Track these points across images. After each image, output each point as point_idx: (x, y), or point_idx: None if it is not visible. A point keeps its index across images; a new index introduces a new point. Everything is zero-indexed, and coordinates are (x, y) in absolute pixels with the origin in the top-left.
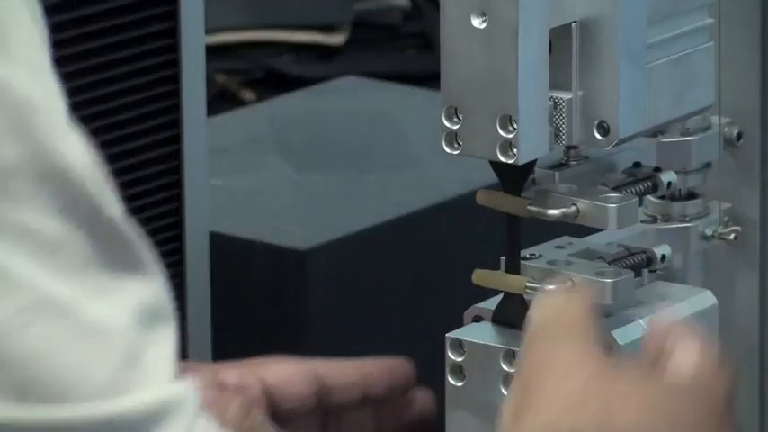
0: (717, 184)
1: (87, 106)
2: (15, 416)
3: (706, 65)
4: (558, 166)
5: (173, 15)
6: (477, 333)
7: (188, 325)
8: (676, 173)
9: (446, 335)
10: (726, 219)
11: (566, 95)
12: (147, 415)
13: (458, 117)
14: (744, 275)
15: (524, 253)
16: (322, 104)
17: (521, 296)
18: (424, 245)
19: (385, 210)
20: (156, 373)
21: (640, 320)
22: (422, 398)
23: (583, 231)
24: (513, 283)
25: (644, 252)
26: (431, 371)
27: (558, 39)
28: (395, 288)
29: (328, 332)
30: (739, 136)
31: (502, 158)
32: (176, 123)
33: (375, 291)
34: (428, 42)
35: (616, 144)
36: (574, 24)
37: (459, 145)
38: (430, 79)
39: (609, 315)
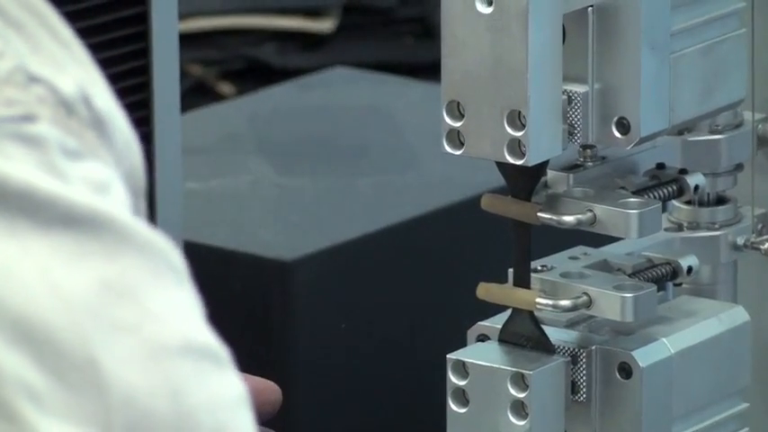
0: (749, 188)
1: None
2: None
3: (737, 54)
4: (573, 167)
5: None
6: (482, 354)
7: None
8: (704, 175)
9: (447, 356)
10: (759, 226)
11: (581, 89)
12: None
13: (461, 113)
14: None
15: (534, 264)
16: (308, 99)
17: (530, 313)
18: (423, 255)
19: (378, 216)
20: None
21: (664, 339)
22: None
23: (600, 240)
24: (522, 298)
25: (668, 263)
26: (430, 395)
27: (573, 25)
28: (389, 303)
29: (315, 351)
30: None
31: (510, 159)
32: (147, 120)
33: (367, 306)
34: (427, 29)
35: (637, 143)
36: (590, 9)
37: (462, 144)
38: (429, 70)
39: (629, 333)
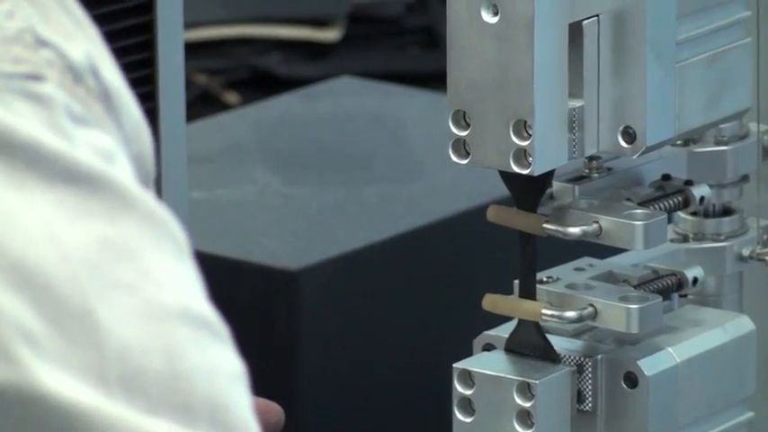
0: (755, 199)
1: None
2: None
3: (742, 63)
4: (578, 179)
5: (148, 9)
6: (488, 363)
7: None
8: (710, 186)
9: (453, 365)
10: (765, 237)
11: (587, 98)
12: None
13: (466, 122)
14: None
15: (540, 276)
16: (314, 108)
17: (536, 324)
18: (428, 265)
19: (384, 226)
20: None
21: (670, 349)
22: None
23: (605, 252)
24: (527, 309)
25: (674, 274)
26: (436, 405)
27: (579, 35)
28: (395, 313)
29: (321, 361)
30: None
31: (515, 168)
32: (152, 129)
33: (373, 315)
34: (433, 38)
35: (643, 152)
36: (596, 18)
37: (468, 153)
38: (435, 80)
39: (635, 343)
